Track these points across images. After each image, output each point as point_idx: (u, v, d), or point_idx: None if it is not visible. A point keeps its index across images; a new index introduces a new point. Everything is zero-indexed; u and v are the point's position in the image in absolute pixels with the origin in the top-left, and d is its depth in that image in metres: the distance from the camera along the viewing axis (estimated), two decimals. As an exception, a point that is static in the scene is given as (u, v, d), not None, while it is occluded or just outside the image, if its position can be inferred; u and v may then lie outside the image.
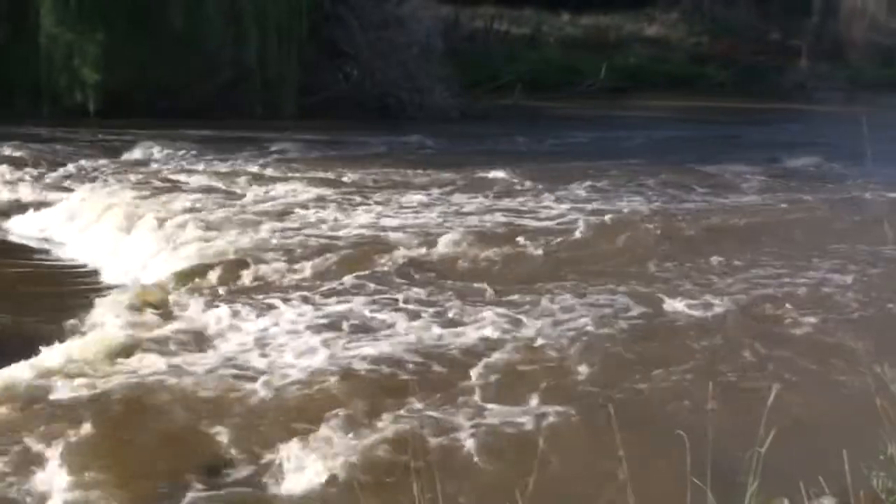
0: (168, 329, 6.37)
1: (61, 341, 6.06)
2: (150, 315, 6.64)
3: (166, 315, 6.70)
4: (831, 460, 3.32)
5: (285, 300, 7.09)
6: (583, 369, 6.05)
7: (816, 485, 3.79)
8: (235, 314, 6.70)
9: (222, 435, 4.89)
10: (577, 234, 9.50)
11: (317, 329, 6.46)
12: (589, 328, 6.77)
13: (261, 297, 7.18)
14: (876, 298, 7.65)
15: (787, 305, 7.52)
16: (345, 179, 11.99)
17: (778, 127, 19.90)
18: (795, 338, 6.78)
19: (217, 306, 6.87)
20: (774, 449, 2.96)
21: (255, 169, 12.50)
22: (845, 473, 3.21)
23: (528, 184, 12.11)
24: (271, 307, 6.92)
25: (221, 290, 7.30)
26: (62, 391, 5.20)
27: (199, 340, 6.22)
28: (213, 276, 7.62)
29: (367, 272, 7.90)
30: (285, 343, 6.23)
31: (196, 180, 11.56)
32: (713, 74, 27.89)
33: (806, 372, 6.08)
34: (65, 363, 5.58)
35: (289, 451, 4.76)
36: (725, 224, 10.33)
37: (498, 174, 12.61)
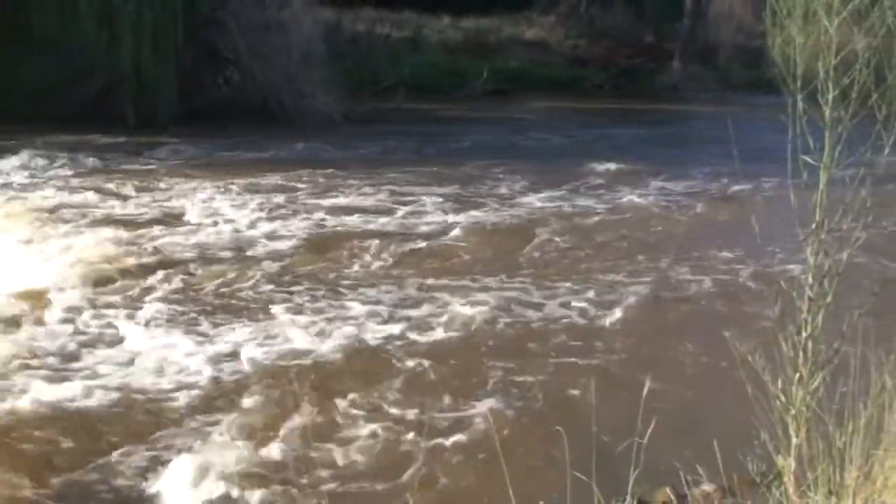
0: (23, 338, 6.24)
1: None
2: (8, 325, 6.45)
3: (24, 325, 6.52)
4: (710, 448, 3.44)
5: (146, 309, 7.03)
6: (460, 370, 6.10)
7: (696, 472, 3.92)
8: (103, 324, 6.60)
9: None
10: (453, 237, 9.63)
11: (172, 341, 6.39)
12: (464, 329, 6.85)
13: (128, 306, 7.06)
14: (744, 291, 7.98)
15: (661, 300, 7.78)
16: (221, 186, 11.73)
17: (653, 127, 20.49)
18: (670, 331, 7.02)
19: (82, 316, 6.74)
20: (655, 439, 3.05)
21: (125, 177, 12.07)
22: (724, 461, 3.34)
23: (405, 186, 12.17)
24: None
25: (89, 300, 7.12)
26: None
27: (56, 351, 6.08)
28: (81, 285, 7.42)
29: (246, 282, 7.84)
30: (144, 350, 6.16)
31: (62, 190, 11.11)
32: (592, 77, 28.50)
33: (682, 363, 6.30)
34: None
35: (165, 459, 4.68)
36: (603, 224, 10.59)
37: (373, 176, 12.61)
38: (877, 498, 2.70)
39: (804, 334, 2.83)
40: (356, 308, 7.21)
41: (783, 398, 2.89)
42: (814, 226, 2.73)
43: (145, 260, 8.22)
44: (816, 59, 2.61)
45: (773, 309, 2.91)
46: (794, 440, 2.87)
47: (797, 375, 2.85)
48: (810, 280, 2.80)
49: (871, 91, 2.57)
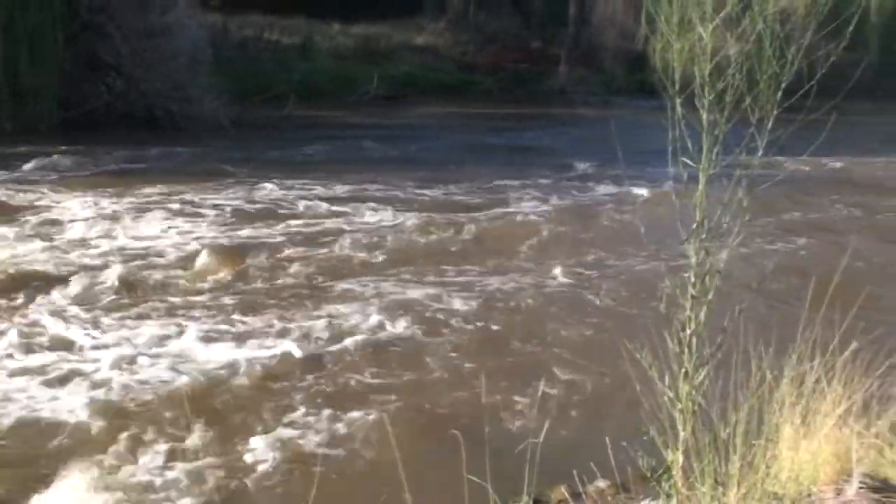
0: None
1: None
2: None
3: None
4: (602, 445, 3.50)
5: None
6: (353, 375, 6.08)
7: (589, 470, 4.00)
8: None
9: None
10: (343, 244, 9.61)
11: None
12: (353, 333, 6.83)
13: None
14: (631, 291, 8.17)
15: (548, 302, 7.90)
16: (101, 196, 11.35)
17: (541, 131, 20.83)
18: (560, 332, 7.13)
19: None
20: (550, 439, 3.09)
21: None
22: (617, 457, 3.40)
23: (291, 194, 12.08)
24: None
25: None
26: None
27: None
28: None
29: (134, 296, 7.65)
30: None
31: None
32: (481, 82, 28.81)
33: (573, 363, 6.40)
34: None
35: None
36: (491, 228, 10.70)
37: (261, 187, 12.44)
38: (759, 486, 2.80)
39: (688, 331, 2.91)
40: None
41: (670, 393, 2.95)
42: (694, 226, 2.81)
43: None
44: (693, 64, 2.69)
45: (660, 307, 2.98)
46: (681, 434, 2.95)
47: (683, 371, 2.92)
48: (692, 278, 2.88)
49: (744, 95, 2.66)
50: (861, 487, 3.12)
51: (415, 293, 7.93)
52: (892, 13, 32.94)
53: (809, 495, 3.13)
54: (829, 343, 3.15)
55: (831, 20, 2.93)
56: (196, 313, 7.21)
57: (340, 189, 12.60)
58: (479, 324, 7.23)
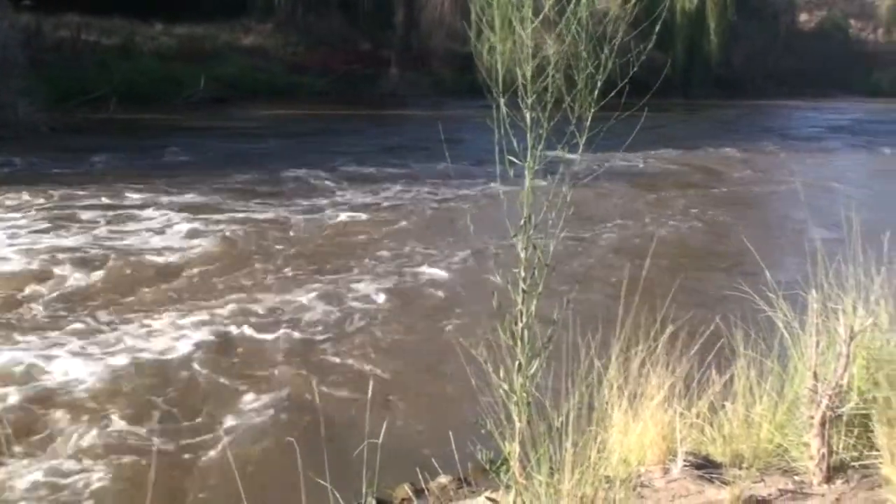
0: None
1: None
2: None
3: None
4: (443, 442, 3.54)
5: None
6: (176, 392, 5.90)
7: (432, 467, 4.05)
8: None
9: None
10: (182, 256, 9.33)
11: None
12: (175, 348, 6.64)
13: None
14: (462, 287, 8.30)
15: (379, 302, 7.91)
16: None
17: (372, 132, 20.87)
18: (394, 331, 7.15)
19: None
20: (391, 439, 3.10)
21: None
22: (458, 452, 3.46)
23: (112, 201, 11.65)
24: None
25: None
26: None
27: None
28: None
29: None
30: None
31: None
32: (312, 83, 28.57)
33: (409, 362, 6.44)
34: None
35: None
36: (321, 234, 10.61)
37: (77, 192, 11.90)
38: (591, 471, 2.90)
39: (520, 324, 2.97)
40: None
41: (505, 386, 3.01)
42: (522, 222, 2.88)
43: None
44: (516, 65, 2.76)
45: (493, 302, 3.03)
46: (517, 425, 3.01)
47: (517, 363, 2.99)
48: (522, 273, 2.95)
49: (563, 94, 2.75)
50: (686, 465, 3.30)
51: (229, 299, 7.77)
52: (696, 16, 34.97)
53: (639, 476, 3.28)
54: (651, 328, 3.31)
55: (644, 22, 3.06)
56: None
57: (160, 197, 12.20)
58: (311, 329, 7.14)
